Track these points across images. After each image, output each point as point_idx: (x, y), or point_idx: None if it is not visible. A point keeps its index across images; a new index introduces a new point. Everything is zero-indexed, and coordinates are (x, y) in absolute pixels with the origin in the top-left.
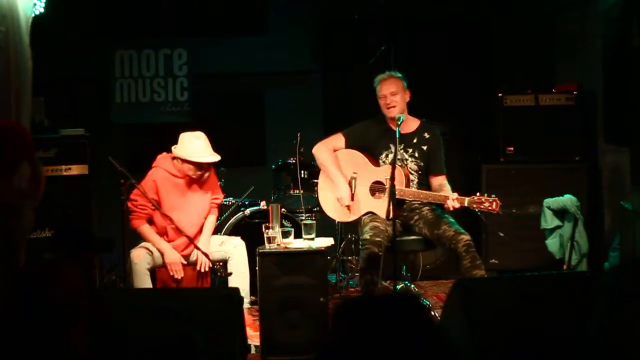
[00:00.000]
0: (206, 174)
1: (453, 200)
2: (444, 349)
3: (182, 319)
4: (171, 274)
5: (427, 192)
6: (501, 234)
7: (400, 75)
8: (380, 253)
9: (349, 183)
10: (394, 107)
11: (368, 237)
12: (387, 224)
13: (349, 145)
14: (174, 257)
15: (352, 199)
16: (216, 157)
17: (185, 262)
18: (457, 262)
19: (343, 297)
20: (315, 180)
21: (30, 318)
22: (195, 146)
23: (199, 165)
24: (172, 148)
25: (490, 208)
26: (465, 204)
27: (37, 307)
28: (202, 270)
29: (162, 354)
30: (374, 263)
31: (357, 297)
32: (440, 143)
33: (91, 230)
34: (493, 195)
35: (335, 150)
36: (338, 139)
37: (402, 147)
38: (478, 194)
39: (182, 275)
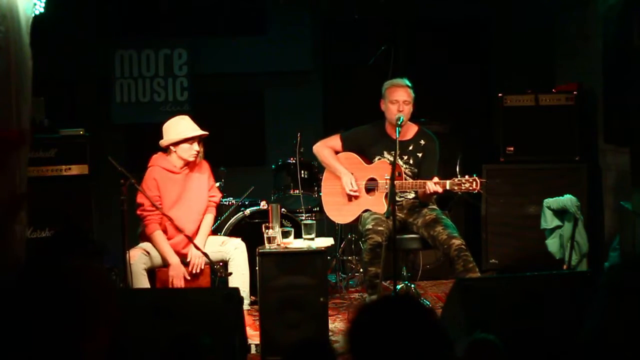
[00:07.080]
0: (200, 154)
1: (435, 185)
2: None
3: (182, 319)
4: (170, 286)
5: (411, 181)
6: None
7: (410, 84)
8: (385, 242)
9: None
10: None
11: (371, 227)
12: (387, 220)
13: (345, 148)
14: (177, 272)
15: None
16: (205, 132)
17: (185, 261)
18: (451, 266)
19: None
20: (315, 181)
21: (42, 318)
22: (182, 125)
23: (191, 141)
24: (160, 142)
25: (471, 188)
26: (447, 187)
27: (53, 304)
28: (195, 271)
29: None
30: (377, 254)
31: (361, 306)
32: (435, 149)
33: (89, 234)
34: (474, 175)
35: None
36: (335, 141)
37: (397, 154)
38: (459, 176)
39: (182, 286)
